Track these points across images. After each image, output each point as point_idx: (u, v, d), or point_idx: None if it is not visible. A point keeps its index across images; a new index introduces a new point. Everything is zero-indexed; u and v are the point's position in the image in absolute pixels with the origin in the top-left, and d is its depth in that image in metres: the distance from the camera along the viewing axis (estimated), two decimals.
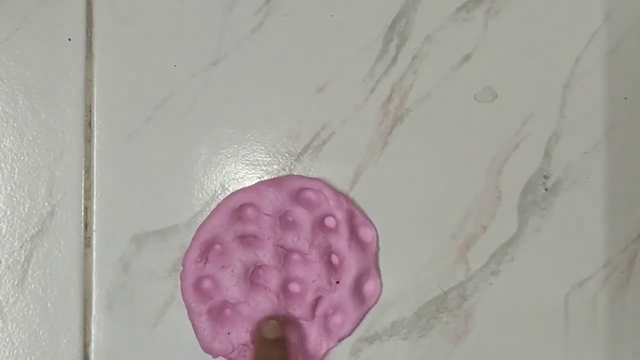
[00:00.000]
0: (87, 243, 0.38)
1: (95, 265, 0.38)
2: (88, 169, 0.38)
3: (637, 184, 0.39)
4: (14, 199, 0.37)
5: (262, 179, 0.38)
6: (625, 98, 0.40)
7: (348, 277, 0.37)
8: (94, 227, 0.38)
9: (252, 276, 0.37)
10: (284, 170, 0.39)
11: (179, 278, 0.37)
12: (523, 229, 0.39)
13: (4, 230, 0.37)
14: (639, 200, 0.39)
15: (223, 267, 0.37)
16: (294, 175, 0.38)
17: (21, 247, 0.37)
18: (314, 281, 0.37)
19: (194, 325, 0.37)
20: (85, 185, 0.38)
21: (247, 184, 0.39)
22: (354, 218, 0.38)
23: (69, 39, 0.38)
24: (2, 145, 0.38)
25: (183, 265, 0.37)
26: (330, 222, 0.38)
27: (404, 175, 0.39)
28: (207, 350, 0.37)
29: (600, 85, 0.39)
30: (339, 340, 0.38)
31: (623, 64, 0.39)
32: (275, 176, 0.39)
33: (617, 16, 0.40)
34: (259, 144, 0.39)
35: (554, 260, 0.39)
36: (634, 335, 0.39)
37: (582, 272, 0.39)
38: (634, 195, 0.39)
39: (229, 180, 0.39)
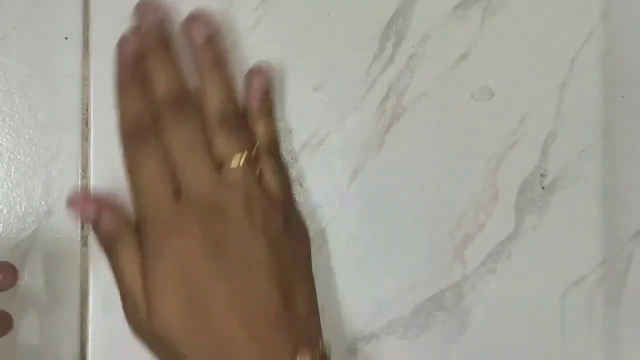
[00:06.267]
0: (84, 242, 0.38)
1: (93, 264, 0.38)
2: (85, 167, 0.38)
3: (634, 183, 0.39)
4: (11, 197, 0.37)
5: None
6: (622, 97, 0.40)
7: None
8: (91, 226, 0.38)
9: None
10: None
11: None
12: (520, 227, 0.39)
13: (0, 229, 0.37)
14: (636, 198, 0.39)
15: None
16: None
17: (18, 246, 0.37)
18: None
19: None
20: (82, 184, 0.38)
21: None
22: None
23: (66, 38, 0.38)
24: None
25: None
26: None
27: (401, 174, 0.39)
28: None
29: (597, 84, 0.39)
30: None
31: (620, 63, 0.39)
32: None
33: (613, 15, 0.40)
34: None
35: (551, 259, 0.39)
36: (630, 334, 0.39)
37: (578, 270, 0.39)
38: (631, 194, 0.39)
39: None
